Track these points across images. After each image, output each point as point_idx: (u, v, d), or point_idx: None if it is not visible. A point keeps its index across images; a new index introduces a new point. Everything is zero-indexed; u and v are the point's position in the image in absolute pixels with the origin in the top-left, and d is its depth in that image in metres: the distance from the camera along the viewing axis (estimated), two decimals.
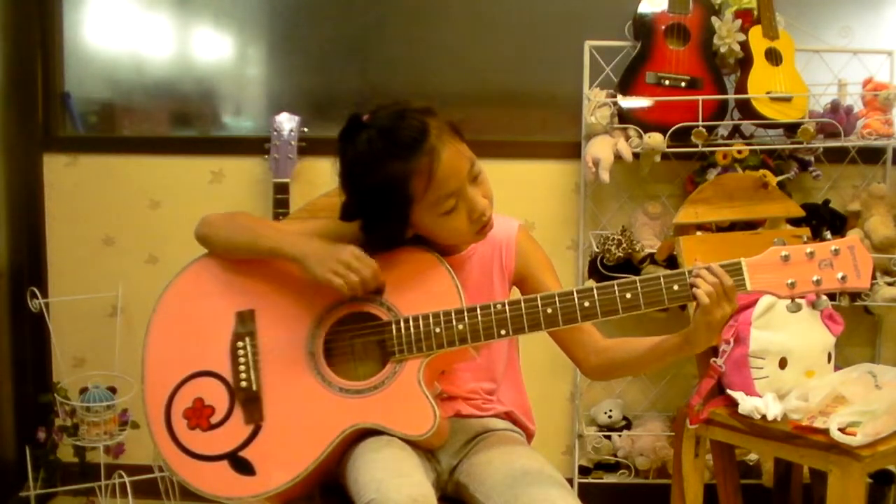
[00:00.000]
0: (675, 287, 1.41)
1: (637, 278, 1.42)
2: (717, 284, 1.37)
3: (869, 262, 1.40)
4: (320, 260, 1.46)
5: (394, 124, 1.45)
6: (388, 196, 1.45)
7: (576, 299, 1.43)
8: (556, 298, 1.43)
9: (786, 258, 1.40)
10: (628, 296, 1.41)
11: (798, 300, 1.41)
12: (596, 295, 1.42)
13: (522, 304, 1.44)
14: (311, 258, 1.47)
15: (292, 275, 1.51)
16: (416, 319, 1.46)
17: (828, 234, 1.42)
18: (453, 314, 1.45)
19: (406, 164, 1.42)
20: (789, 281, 1.40)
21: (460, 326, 1.45)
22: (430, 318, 1.46)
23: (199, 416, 1.51)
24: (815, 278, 1.39)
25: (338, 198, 1.56)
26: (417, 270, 1.51)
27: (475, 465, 1.52)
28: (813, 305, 1.42)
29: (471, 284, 1.56)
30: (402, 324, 1.47)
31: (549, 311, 1.43)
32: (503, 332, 1.44)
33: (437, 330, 1.45)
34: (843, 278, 1.39)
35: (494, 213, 1.60)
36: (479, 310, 1.45)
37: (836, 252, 1.40)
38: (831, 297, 1.69)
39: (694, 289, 1.38)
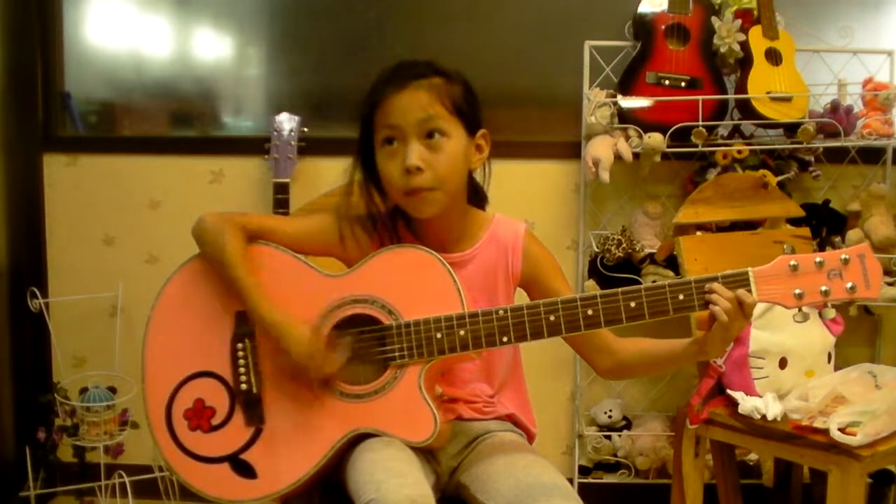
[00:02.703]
0: (681, 297, 1.39)
1: (642, 287, 1.41)
2: (733, 300, 1.37)
3: (879, 271, 1.37)
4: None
5: (404, 61, 1.52)
6: (364, 120, 1.51)
7: (579, 307, 1.41)
8: (560, 306, 1.42)
9: (794, 268, 1.37)
10: (632, 305, 1.40)
11: (805, 310, 1.39)
12: (600, 303, 1.40)
13: (525, 310, 1.43)
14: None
15: (293, 277, 1.51)
16: (417, 324, 1.45)
17: (837, 240, 1.40)
18: (455, 319, 1.44)
19: (382, 90, 1.48)
20: (797, 291, 1.37)
21: (461, 332, 1.44)
22: (432, 322, 1.44)
23: (200, 417, 1.51)
24: (823, 289, 1.37)
25: (338, 198, 1.55)
26: (420, 273, 1.49)
27: (477, 466, 1.52)
28: (820, 314, 1.40)
29: (473, 286, 1.54)
30: (402, 328, 1.46)
31: (552, 318, 1.42)
32: (505, 338, 1.43)
33: (439, 335, 1.44)
34: (853, 288, 1.36)
35: (499, 214, 1.61)
36: (480, 316, 1.43)
37: (846, 261, 1.37)
38: None
39: (711, 306, 1.38)
